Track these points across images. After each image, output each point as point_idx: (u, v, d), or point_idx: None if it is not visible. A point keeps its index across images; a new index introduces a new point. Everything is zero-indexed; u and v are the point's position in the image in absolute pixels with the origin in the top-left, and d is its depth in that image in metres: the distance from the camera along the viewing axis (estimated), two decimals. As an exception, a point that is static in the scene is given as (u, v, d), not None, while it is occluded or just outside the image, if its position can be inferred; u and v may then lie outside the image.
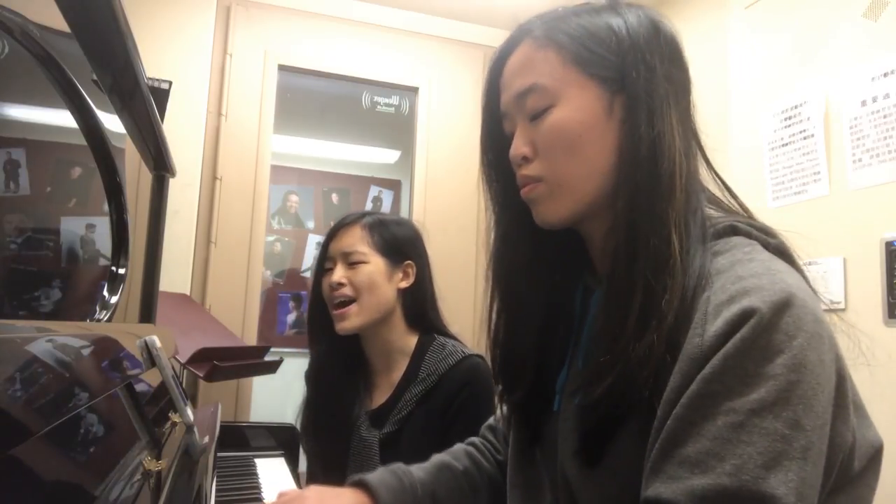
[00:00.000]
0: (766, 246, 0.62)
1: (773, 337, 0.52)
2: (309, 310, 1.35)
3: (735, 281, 0.56)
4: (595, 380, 0.61)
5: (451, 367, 1.24)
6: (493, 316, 0.76)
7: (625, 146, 0.63)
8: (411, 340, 1.30)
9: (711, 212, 0.66)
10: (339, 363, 1.32)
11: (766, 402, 0.51)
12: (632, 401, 0.57)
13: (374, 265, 1.26)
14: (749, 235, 0.63)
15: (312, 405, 1.33)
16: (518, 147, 0.68)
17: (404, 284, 1.29)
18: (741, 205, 0.70)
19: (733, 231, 0.63)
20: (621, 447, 0.60)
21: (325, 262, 1.31)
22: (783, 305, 0.53)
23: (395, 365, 1.29)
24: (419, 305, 1.31)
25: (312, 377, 1.36)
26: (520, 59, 0.68)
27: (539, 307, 0.74)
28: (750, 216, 0.68)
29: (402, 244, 1.31)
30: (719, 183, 0.70)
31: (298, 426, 1.35)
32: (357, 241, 1.27)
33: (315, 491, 0.77)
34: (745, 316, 0.53)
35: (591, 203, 0.66)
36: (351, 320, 1.25)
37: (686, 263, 0.59)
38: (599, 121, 0.64)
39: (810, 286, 0.60)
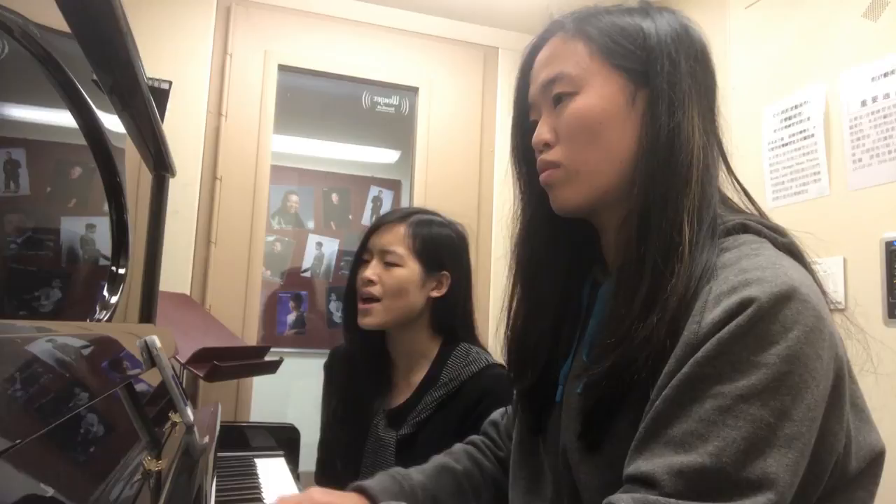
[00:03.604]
0: (776, 244, 0.63)
1: (769, 327, 0.53)
2: (344, 299, 1.34)
3: (738, 273, 0.56)
4: (598, 360, 0.62)
5: (474, 374, 1.22)
6: (514, 302, 0.77)
7: (644, 136, 0.64)
8: (435, 346, 1.29)
9: (723, 212, 0.67)
10: (363, 356, 1.32)
11: (755, 389, 0.51)
12: (631, 382, 0.58)
13: (409, 270, 1.24)
14: (759, 233, 0.63)
15: (330, 395, 1.33)
16: (540, 133, 0.69)
17: (436, 293, 1.27)
18: (758, 209, 0.71)
19: (743, 229, 0.64)
20: (620, 435, 0.60)
21: (363, 254, 1.30)
22: (783, 298, 0.53)
23: (417, 367, 1.28)
24: (447, 316, 1.29)
25: (334, 364, 1.36)
26: (549, 51, 0.70)
27: (556, 295, 0.75)
28: (764, 217, 0.69)
29: (442, 252, 1.28)
30: (737, 186, 0.71)
31: (320, 417, 1.35)
32: (397, 241, 1.25)
33: (320, 492, 0.77)
34: (744, 305, 0.53)
35: (606, 191, 0.67)
36: (373, 317, 1.24)
37: (694, 253, 0.60)
38: (621, 110, 0.66)
39: (819, 286, 0.60)
